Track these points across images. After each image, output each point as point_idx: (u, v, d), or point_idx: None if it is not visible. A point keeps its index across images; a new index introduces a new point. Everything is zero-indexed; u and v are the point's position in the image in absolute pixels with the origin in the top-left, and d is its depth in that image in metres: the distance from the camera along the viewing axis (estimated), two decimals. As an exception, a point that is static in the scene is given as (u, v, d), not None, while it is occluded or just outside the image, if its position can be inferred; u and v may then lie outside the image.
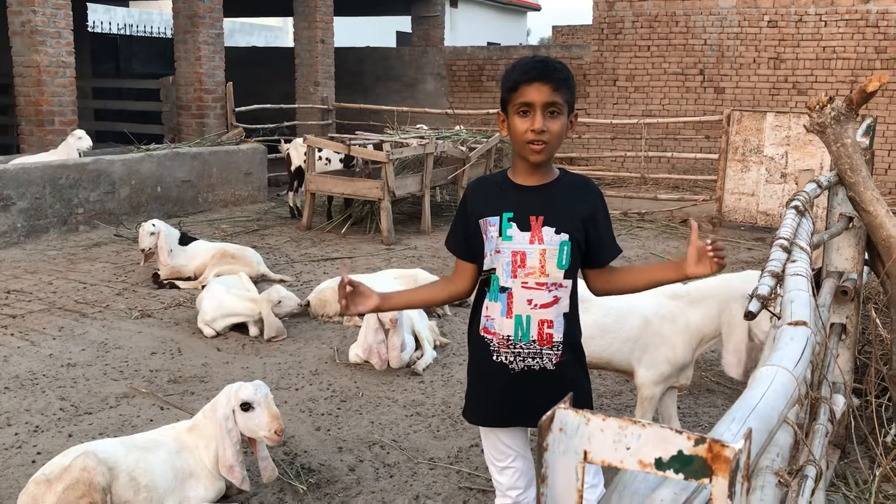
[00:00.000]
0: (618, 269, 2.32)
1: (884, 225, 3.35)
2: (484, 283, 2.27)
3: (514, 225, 2.18)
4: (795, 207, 2.65)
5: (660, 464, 0.74)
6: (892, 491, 2.96)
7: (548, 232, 2.16)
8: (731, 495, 0.71)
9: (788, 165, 9.19)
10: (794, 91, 12.85)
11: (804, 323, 1.51)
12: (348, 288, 2.26)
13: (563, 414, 0.78)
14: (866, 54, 12.40)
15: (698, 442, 0.73)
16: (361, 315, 4.95)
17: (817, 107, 3.43)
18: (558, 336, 2.20)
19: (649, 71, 13.83)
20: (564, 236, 2.17)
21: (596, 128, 13.15)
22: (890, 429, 3.62)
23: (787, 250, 2.26)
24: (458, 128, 11.32)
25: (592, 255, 2.26)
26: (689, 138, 13.19)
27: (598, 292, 2.36)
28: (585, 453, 0.77)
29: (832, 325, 3.59)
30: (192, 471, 3.14)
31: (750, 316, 1.80)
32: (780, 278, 2.05)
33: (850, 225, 3.57)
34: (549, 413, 0.79)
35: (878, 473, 3.01)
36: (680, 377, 3.58)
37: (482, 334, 2.27)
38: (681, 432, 0.74)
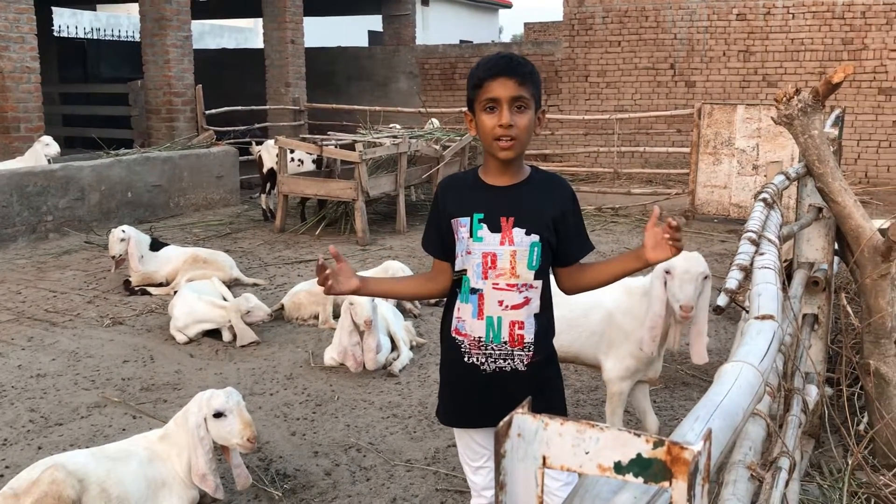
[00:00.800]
0: (585, 266, 2.29)
1: (852, 215, 3.37)
2: (455, 283, 2.25)
3: (484, 226, 2.16)
4: (763, 200, 2.66)
5: (619, 467, 0.73)
6: (864, 479, 2.98)
7: (518, 233, 2.15)
8: (690, 498, 0.69)
9: (760, 157, 9.25)
10: (764, 83, 12.96)
11: (771, 317, 1.50)
12: (333, 264, 2.21)
13: (521, 419, 0.76)
14: (833, 45, 12.54)
15: (657, 445, 0.71)
16: (340, 299, 4.89)
17: (784, 99, 3.44)
18: (529, 337, 2.19)
19: (620, 66, 13.89)
20: (535, 237, 2.15)
21: (569, 124, 13.18)
22: (863, 417, 3.65)
23: (756, 243, 2.26)
24: (432, 121, 11.29)
25: (562, 254, 2.24)
26: (662, 132, 13.26)
27: (567, 291, 2.33)
28: (544, 458, 0.75)
29: (804, 315, 3.61)
30: (165, 480, 3.09)
31: (718, 310, 1.79)
32: (748, 271, 2.05)
33: (820, 215, 3.60)
34: (506, 419, 0.77)
35: (850, 462, 3.03)
36: (647, 371, 3.55)
37: (453, 335, 2.25)
38: (639, 435, 0.73)
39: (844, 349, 3.53)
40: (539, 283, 2.19)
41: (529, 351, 2.19)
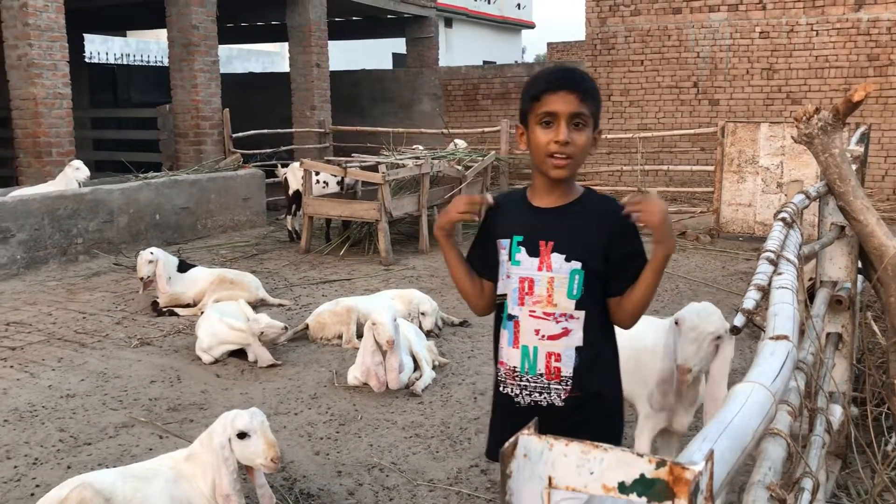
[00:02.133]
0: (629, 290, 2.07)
1: (875, 233, 3.35)
2: (499, 308, 2.14)
3: (522, 249, 2.05)
4: (783, 219, 2.66)
5: (623, 487, 0.75)
6: (892, 500, 2.95)
7: (557, 259, 2.02)
8: (691, 517, 0.71)
9: (784, 175, 9.21)
10: (788, 101, 12.90)
11: (786, 337, 1.51)
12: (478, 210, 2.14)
13: (527, 440, 0.78)
14: (858, 62, 12.45)
15: (659, 465, 0.73)
16: (363, 318, 4.92)
17: (804, 118, 3.44)
18: (567, 371, 2.03)
19: (643, 85, 13.90)
20: (576, 265, 2.01)
21: (592, 143, 13.17)
22: (890, 437, 3.60)
23: (774, 263, 2.27)
24: (455, 142, 11.34)
25: (614, 285, 2.06)
26: (686, 151, 13.24)
27: (621, 323, 2.11)
28: (550, 479, 0.78)
29: (828, 334, 3.58)
30: (190, 500, 3.13)
31: (735, 331, 1.80)
32: (766, 291, 2.06)
33: (842, 234, 3.58)
34: (511, 440, 0.79)
35: (875, 483, 3.00)
36: (673, 422, 3.19)
37: (497, 364, 2.16)
38: (642, 455, 0.75)
39: (867, 368, 3.49)
40: (582, 315, 2.03)
41: (567, 385, 2.04)
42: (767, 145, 9.31)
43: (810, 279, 4.15)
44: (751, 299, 1.91)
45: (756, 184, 9.40)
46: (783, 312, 1.71)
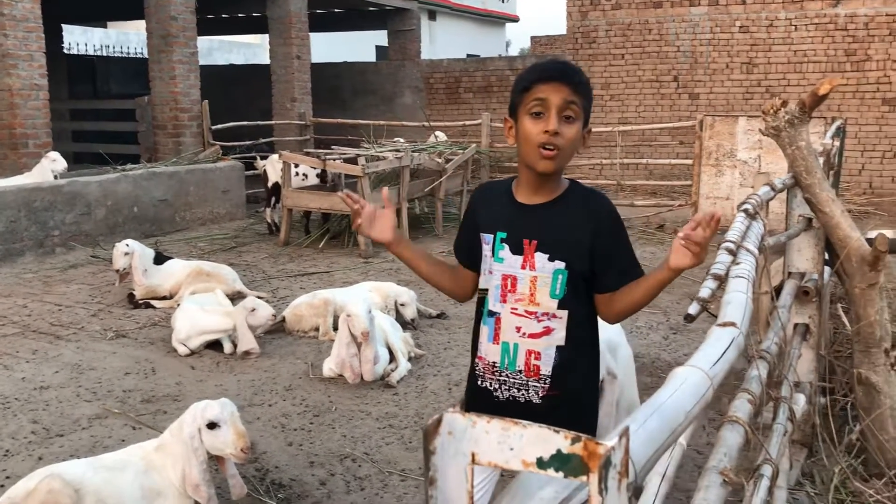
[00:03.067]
0: (620, 290, 2.03)
1: (840, 225, 3.40)
2: (479, 302, 2.13)
3: (506, 247, 2.03)
4: (745, 210, 2.70)
5: (541, 463, 0.77)
6: (851, 487, 3.00)
7: (540, 258, 1.99)
8: (601, 491, 0.73)
9: (762, 168, 9.28)
10: (768, 95, 12.99)
11: (733, 324, 1.54)
12: (362, 206, 2.15)
13: (451, 418, 0.80)
14: (836, 57, 12.57)
15: (575, 441, 0.76)
16: (340, 310, 4.87)
17: (772, 111, 3.48)
18: (546, 369, 2.02)
19: (624, 79, 13.96)
20: (560, 264, 1.99)
21: (573, 136, 13.22)
22: (855, 426, 3.66)
23: (734, 253, 2.30)
24: (436, 134, 11.35)
25: (598, 283, 2.04)
26: (665, 144, 13.31)
27: (607, 318, 2.10)
28: (473, 455, 0.80)
29: (796, 325, 3.63)
30: (161, 490, 3.13)
31: (689, 318, 1.83)
32: (723, 281, 2.09)
33: (810, 226, 3.63)
34: (435, 417, 0.81)
35: (836, 471, 3.05)
36: None
37: (475, 358, 2.15)
38: (558, 432, 0.77)
39: (828, 356, 3.54)
40: (565, 314, 2.01)
41: (545, 383, 2.02)
42: (745, 139, 9.39)
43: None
44: (707, 288, 1.94)
45: (734, 177, 9.47)
46: (735, 300, 1.75)
